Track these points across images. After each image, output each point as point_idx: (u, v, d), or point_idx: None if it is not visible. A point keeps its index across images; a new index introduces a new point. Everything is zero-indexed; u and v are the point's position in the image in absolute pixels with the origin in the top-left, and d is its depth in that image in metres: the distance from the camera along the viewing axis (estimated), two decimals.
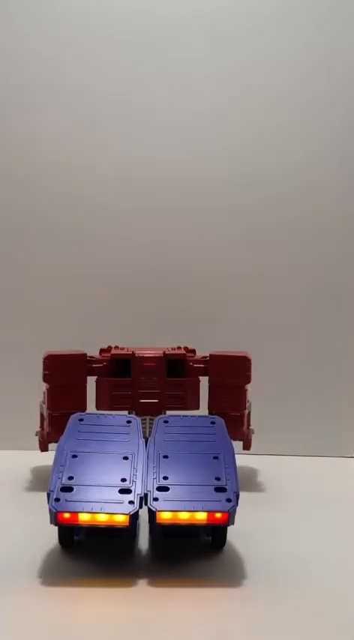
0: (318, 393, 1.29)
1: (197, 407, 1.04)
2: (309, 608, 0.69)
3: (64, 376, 1.01)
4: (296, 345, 1.29)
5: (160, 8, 1.27)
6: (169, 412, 0.97)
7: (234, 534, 0.84)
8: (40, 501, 0.78)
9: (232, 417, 1.00)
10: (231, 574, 0.76)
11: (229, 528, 0.82)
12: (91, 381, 1.04)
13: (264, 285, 1.29)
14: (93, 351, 1.07)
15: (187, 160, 1.27)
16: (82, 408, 1.01)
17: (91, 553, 0.79)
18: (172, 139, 1.27)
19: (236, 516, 0.83)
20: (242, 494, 0.90)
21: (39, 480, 1.06)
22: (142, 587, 0.72)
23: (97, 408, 1.03)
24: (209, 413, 1.01)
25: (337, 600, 0.71)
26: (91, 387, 1.04)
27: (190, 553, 0.80)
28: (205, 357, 1.06)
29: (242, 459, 1.16)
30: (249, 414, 1.07)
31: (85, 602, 0.69)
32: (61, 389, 1.01)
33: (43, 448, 1.03)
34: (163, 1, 1.27)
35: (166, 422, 0.86)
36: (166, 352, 1.04)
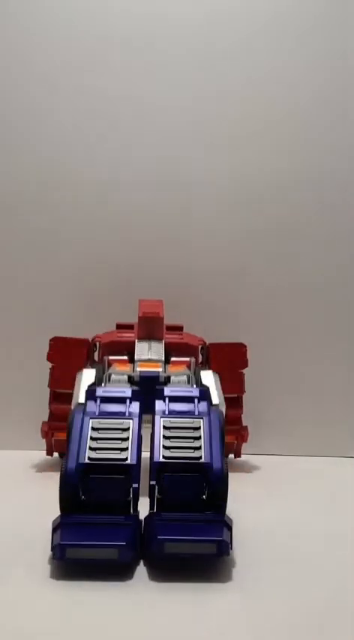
0: (318, 393, 1.29)
1: (196, 355, 1.09)
2: (309, 608, 0.69)
3: (66, 357, 1.09)
4: (296, 345, 1.29)
5: None
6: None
7: (234, 534, 0.84)
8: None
9: (231, 399, 1.06)
10: (231, 574, 0.76)
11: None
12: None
13: (264, 285, 1.29)
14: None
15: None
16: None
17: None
18: None
19: (236, 516, 0.84)
20: (242, 495, 0.90)
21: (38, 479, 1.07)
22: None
23: (101, 347, 1.09)
24: None
25: (337, 600, 0.71)
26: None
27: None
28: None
29: (242, 459, 1.17)
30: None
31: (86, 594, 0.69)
32: (63, 369, 1.07)
33: (49, 451, 1.12)
34: None
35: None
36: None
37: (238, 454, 1.14)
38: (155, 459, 0.81)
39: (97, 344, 1.11)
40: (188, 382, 0.97)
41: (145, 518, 0.80)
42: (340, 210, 1.29)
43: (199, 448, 0.82)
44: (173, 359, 1.05)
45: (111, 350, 1.07)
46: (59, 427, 1.06)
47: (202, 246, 1.27)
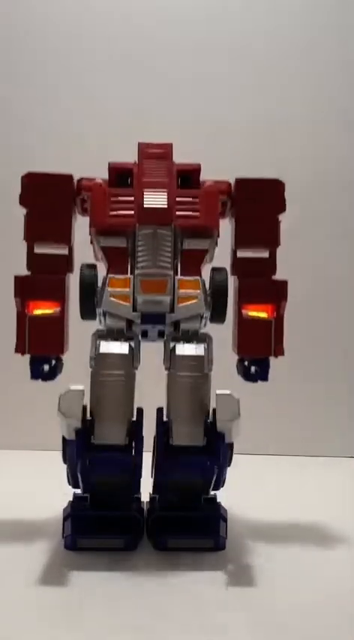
0: (318, 393, 1.29)
1: (214, 224, 0.83)
2: (309, 608, 0.69)
3: (45, 199, 0.83)
4: (297, 345, 1.29)
5: None
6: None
7: (234, 534, 0.84)
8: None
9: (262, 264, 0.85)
10: (231, 574, 0.76)
11: (229, 530, 0.83)
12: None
13: None
14: None
15: None
16: (66, 240, 0.84)
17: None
18: None
19: (236, 516, 0.84)
20: (242, 495, 0.90)
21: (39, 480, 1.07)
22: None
23: (94, 225, 0.82)
24: (233, 255, 0.86)
25: (337, 601, 0.71)
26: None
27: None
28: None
29: (242, 459, 1.17)
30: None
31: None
32: (42, 214, 0.83)
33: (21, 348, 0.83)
34: None
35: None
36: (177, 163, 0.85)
37: (278, 351, 0.86)
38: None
39: (86, 197, 0.84)
40: (200, 322, 0.83)
41: (148, 515, 0.84)
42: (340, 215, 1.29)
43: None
44: (181, 278, 0.82)
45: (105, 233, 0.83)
46: (39, 301, 0.82)
47: None
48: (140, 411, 0.83)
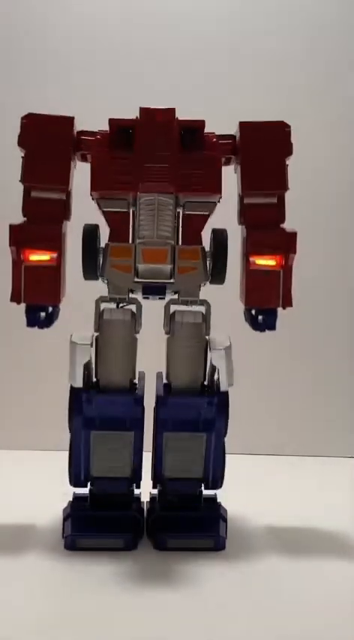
0: (318, 393, 1.29)
1: (217, 190, 0.82)
2: (309, 608, 0.69)
3: (44, 140, 0.82)
4: (297, 344, 1.29)
5: None
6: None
7: (234, 534, 0.84)
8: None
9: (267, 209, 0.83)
10: (231, 574, 0.76)
11: (229, 530, 0.83)
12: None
13: None
14: None
15: None
16: (65, 183, 0.83)
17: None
18: None
19: (235, 516, 0.84)
20: (241, 495, 0.90)
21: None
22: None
23: (93, 189, 0.82)
24: (240, 202, 0.85)
25: (337, 601, 0.71)
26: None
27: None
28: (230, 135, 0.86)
29: (242, 459, 1.17)
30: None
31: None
32: (41, 156, 0.81)
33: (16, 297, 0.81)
34: None
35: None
36: (180, 118, 0.83)
37: (287, 302, 0.85)
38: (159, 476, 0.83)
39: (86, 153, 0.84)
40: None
41: (148, 515, 0.85)
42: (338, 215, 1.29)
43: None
44: (182, 247, 0.82)
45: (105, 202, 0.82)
46: (34, 250, 0.81)
47: None
48: (142, 374, 0.86)
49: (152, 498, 0.87)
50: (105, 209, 0.82)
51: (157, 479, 0.84)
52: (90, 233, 0.82)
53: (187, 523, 0.83)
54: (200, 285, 0.84)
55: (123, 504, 0.83)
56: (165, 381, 0.85)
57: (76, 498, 0.86)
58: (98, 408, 0.81)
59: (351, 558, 0.82)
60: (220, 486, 0.85)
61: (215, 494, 0.87)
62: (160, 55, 1.25)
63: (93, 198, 0.83)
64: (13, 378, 1.27)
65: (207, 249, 0.84)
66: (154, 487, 0.86)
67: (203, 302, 0.84)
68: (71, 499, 0.86)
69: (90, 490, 0.84)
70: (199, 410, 0.82)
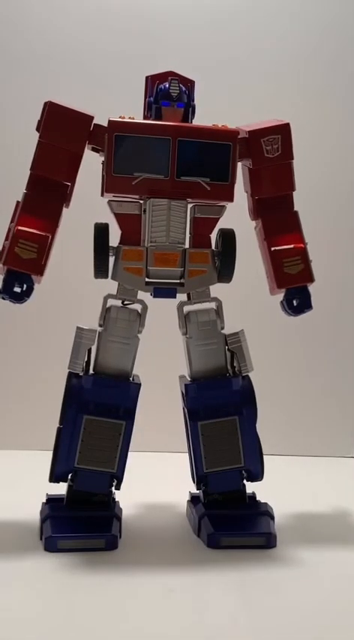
0: (318, 393, 1.29)
1: (228, 199, 0.85)
2: (309, 608, 0.69)
3: (60, 132, 0.82)
4: (297, 344, 1.29)
5: None
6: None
7: None
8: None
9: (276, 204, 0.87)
10: (231, 575, 0.76)
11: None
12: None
13: (264, 284, 1.29)
14: None
15: None
16: (71, 179, 0.83)
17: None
18: None
19: None
20: None
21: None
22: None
23: (107, 191, 0.83)
24: (252, 200, 0.88)
25: (338, 601, 0.71)
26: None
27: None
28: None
29: None
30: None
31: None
32: (54, 148, 0.82)
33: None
34: None
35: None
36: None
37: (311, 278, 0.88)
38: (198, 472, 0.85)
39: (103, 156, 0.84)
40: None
41: (198, 513, 0.85)
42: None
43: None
44: (192, 250, 0.84)
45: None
46: (30, 218, 0.81)
47: None
48: (137, 377, 0.86)
49: (194, 497, 0.89)
50: (116, 212, 0.84)
51: (199, 478, 0.85)
52: (101, 231, 0.83)
53: (237, 521, 0.83)
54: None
55: (100, 504, 0.83)
56: (189, 379, 0.87)
57: (51, 499, 0.86)
58: (94, 392, 0.82)
59: (352, 559, 0.82)
60: (262, 477, 0.86)
61: (254, 493, 0.89)
62: (161, 54, 1.25)
63: (107, 200, 0.84)
64: (11, 378, 1.27)
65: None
66: (197, 488, 0.87)
67: (214, 299, 0.86)
68: (45, 500, 0.86)
69: (68, 487, 0.84)
70: (226, 392, 0.84)
